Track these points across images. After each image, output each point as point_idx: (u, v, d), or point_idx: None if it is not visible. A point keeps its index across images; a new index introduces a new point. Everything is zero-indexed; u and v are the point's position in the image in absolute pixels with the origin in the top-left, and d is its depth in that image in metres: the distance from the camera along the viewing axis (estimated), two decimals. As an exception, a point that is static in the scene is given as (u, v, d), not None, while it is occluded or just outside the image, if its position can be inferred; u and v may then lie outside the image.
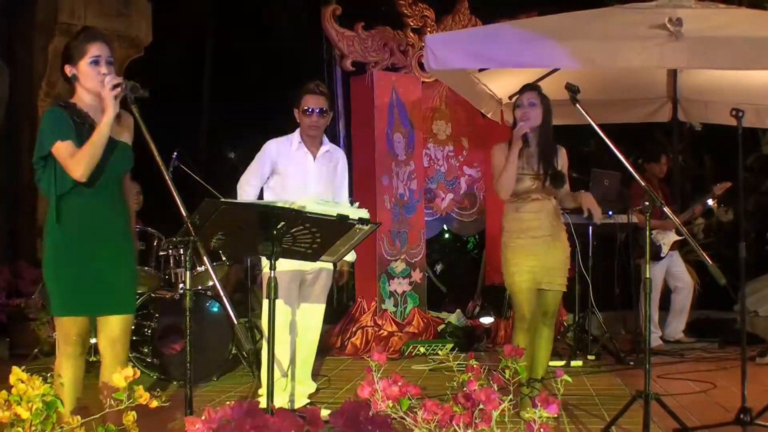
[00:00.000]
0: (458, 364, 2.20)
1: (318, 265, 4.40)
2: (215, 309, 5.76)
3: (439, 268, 9.91)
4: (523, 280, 4.46)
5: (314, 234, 3.20)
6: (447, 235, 10.09)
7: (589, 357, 6.60)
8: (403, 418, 2.01)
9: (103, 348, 3.35)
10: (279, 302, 4.09)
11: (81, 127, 3.23)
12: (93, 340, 3.59)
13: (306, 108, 4.60)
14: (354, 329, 7.13)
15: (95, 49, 3.27)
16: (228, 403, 1.91)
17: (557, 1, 7.43)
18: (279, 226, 3.08)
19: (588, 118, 4.03)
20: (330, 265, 4.64)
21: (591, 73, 6.35)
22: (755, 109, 7.07)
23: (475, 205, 8.29)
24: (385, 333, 7.12)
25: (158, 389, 2.24)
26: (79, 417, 2.28)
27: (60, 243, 3.28)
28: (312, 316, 4.76)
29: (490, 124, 7.81)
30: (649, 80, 7.56)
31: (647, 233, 3.92)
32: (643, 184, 3.87)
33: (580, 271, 6.62)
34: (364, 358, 2.31)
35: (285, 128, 4.83)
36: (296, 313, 4.66)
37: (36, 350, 6.30)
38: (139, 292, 5.54)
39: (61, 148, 3.18)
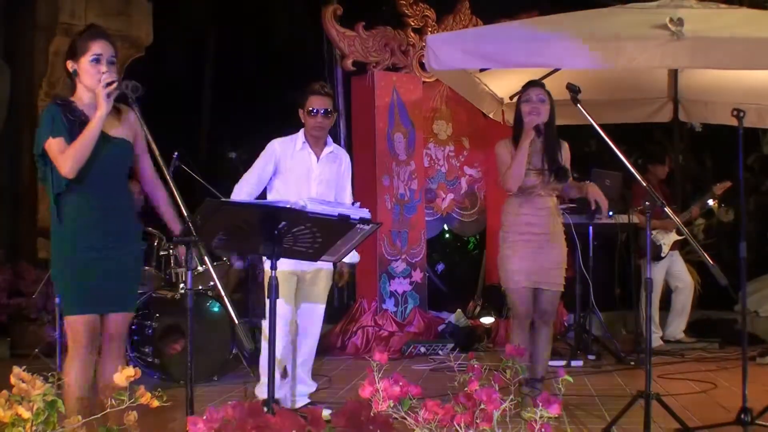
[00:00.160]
0: (459, 364, 2.19)
1: (317, 264, 4.40)
2: (216, 309, 5.76)
3: (441, 267, 9.90)
4: (520, 279, 4.46)
5: (315, 234, 3.20)
6: (447, 235, 10.09)
7: (590, 357, 6.60)
8: (405, 418, 2.01)
9: (101, 345, 3.36)
10: (279, 302, 4.09)
11: (73, 124, 3.24)
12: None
13: (311, 109, 4.62)
14: (354, 329, 7.13)
15: (97, 48, 3.28)
16: (229, 402, 1.90)
17: (557, 1, 7.44)
18: (280, 226, 3.08)
19: (589, 118, 4.04)
20: (330, 265, 4.65)
21: (591, 73, 6.35)
22: (756, 109, 7.07)
23: (476, 205, 8.30)
24: (386, 333, 7.12)
25: (159, 389, 2.24)
26: (79, 417, 2.27)
27: (62, 241, 3.30)
28: (312, 316, 4.77)
29: (491, 124, 7.81)
30: (649, 80, 7.56)
31: (647, 233, 3.92)
32: (644, 184, 3.87)
33: (580, 271, 6.62)
34: (365, 357, 2.31)
35: (286, 128, 4.84)
36: (296, 312, 4.67)
37: (36, 350, 6.30)
38: (139, 292, 5.54)
39: (53, 145, 3.21)
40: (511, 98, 7.23)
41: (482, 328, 7.42)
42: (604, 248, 7.41)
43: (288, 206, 3.08)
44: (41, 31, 8.06)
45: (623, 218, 6.77)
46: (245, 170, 4.78)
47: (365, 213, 3.26)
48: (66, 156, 3.18)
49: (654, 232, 7.08)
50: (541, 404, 2.04)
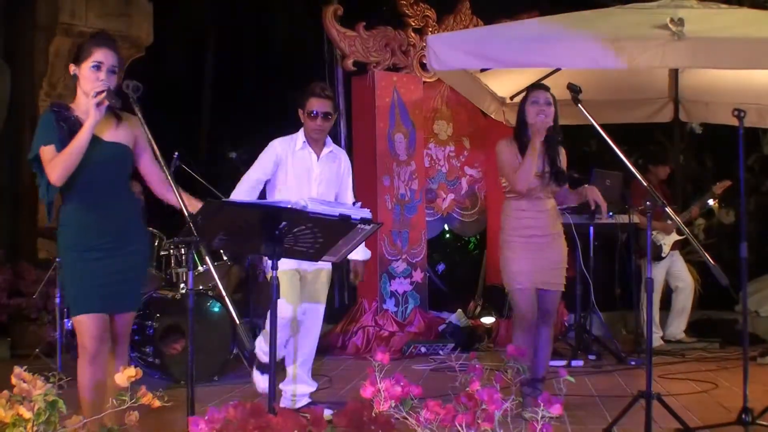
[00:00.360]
0: (460, 364, 2.19)
1: (319, 263, 4.40)
2: (216, 309, 5.76)
3: (441, 268, 9.91)
4: (523, 280, 4.46)
5: (316, 234, 3.20)
6: (448, 236, 10.09)
7: (590, 357, 6.59)
8: (406, 419, 2.01)
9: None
10: (280, 301, 4.09)
11: (66, 132, 3.26)
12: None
13: (311, 111, 4.61)
14: (355, 329, 7.13)
15: (99, 55, 3.28)
16: (230, 402, 1.90)
17: (557, 1, 7.44)
18: (281, 226, 3.08)
19: (590, 118, 4.04)
20: (329, 264, 4.65)
21: (592, 73, 6.35)
22: (756, 109, 7.06)
23: (476, 205, 8.29)
24: (386, 333, 7.12)
25: (160, 389, 2.24)
26: (80, 417, 2.27)
27: (64, 246, 3.34)
28: (313, 315, 4.77)
29: (492, 125, 7.81)
30: (650, 80, 7.56)
31: (648, 233, 3.92)
32: (644, 184, 3.87)
33: (581, 271, 6.62)
34: (365, 358, 2.31)
35: (286, 128, 4.84)
36: (296, 311, 4.67)
37: (37, 350, 6.30)
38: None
39: (44, 152, 3.24)
40: (511, 98, 7.23)
41: (483, 328, 7.42)
42: (604, 248, 7.41)
43: (289, 206, 3.08)
44: (41, 31, 8.06)
45: (624, 218, 6.77)
46: (245, 170, 4.77)
47: (366, 213, 3.26)
48: (54, 164, 3.21)
49: (654, 232, 7.08)
50: (542, 404, 2.04)
